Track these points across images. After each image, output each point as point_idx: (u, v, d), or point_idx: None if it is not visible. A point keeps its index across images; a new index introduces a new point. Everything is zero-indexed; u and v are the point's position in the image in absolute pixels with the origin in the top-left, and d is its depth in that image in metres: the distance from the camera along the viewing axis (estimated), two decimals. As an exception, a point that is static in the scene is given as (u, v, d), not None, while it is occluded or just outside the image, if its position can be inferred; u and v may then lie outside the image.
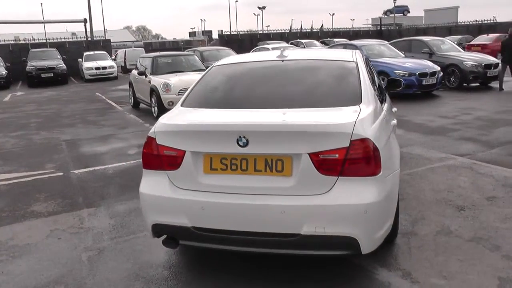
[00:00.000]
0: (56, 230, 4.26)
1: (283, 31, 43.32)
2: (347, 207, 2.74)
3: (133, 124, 9.99)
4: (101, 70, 22.81)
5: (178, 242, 3.08)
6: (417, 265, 3.31)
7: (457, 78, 13.83)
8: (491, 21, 32.72)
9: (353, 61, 3.73)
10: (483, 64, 13.46)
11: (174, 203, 2.96)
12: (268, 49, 18.75)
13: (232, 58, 4.32)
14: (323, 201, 2.74)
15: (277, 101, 3.29)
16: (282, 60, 3.81)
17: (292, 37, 39.61)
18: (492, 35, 25.52)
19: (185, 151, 2.92)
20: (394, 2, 52.01)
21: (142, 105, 12.20)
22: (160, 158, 3.02)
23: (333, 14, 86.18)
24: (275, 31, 42.86)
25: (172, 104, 9.78)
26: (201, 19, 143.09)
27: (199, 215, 2.89)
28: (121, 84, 20.41)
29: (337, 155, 2.73)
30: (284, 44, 25.27)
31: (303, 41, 30.91)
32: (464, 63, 13.70)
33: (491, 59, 14.19)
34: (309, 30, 44.22)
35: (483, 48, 22.61)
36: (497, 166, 5.62)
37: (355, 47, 14.05)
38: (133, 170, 6.22)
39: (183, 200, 2.93)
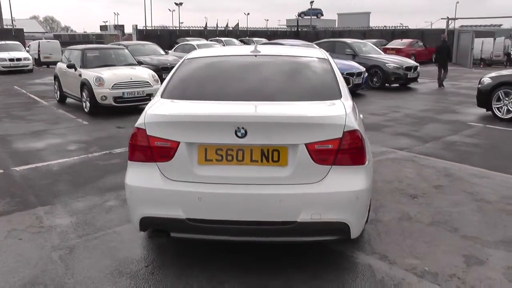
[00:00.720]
0: (14, 231, 3.94)
1: (202, 28, 43.29)
2: (341, 194, 2.89)
3: (64, 120, 9.42)
4: (16, 62, 21.04)
5: (169, 235, 3.02)
6: (389, 248, 3.57)
7: (379, 79, 14.83)
8: (404, 27, 35.39)
9: (325, 58, 3.91)
10: (404, 67, 14.57)
11: (167, 195, 2.91)
12: (193, 45, 18.50)
13: (203, 51, 4.29)
14: (319, 189, 2.87)
15: (262, 94, 3.34)
16: (256, 55, 3.87)
17: (211, 34, 39.77)
18: (406, 40, 27.66)
19: (179, 142, 2.88)
20: (311, 4, 54.10)
21: (69, 100, 11.54)
22: (150, 150, 2.95)
23: (248, 13, 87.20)
24: (194, 28, 42.72)
25: (105, 99, 9.41)
26: (114, 13, 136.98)
27: (195, 206, 2.87)
28: (38, 78, 19.11)
29: (331, 146, 2.87)
30: (204, 41, 25.00)
31: (222, 39, 31.06)
32: (386, 65, 14.73)
33: (411, 62, 15.41)
34: (223, 28, 44.51)
35: (397, 52, 24.35)
36: (435, 159, 6.17)
37: (280, 44, 14.48)
38: (80, 166, 5.91)
39: (178, 192, 2.89)
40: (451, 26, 30.90)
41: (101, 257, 3.45)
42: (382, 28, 36.72)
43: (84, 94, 9.73)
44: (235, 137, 2.82)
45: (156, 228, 3.06)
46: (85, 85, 9.58)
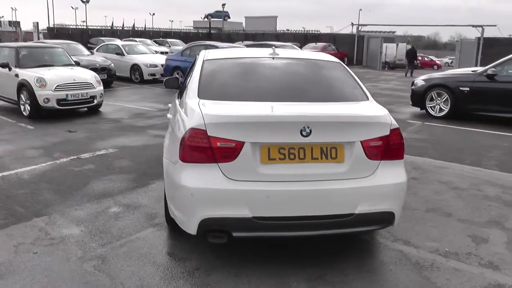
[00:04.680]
0: (22, 245, 3.62)
1: (116, 28, 41.80)
2: (390, 186, 3.17)
3: (4, 124, 8.56)
4: None
5: (231, 235, 3.04)
6: (408, 235, 3.92)
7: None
8: (315, 32, 37.23)
9: (339, 62, 4.17)
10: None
11: (233, 195, 2.94)
12: (118, 45, 17.71)
13: (218, 53, 4.28)
14: (372, 182, 3.11)
15: (304, 95, 3.51)
16: (273, 58, 4.00)
17: (124, 35, 38.51)
18: (320, 44, 29.21)
19: (243, 142, 2.93)
20: (223, 7, 54.64)
21: (-1, 102, 10.53)
22: (212, 151, 2.95)
23: (154, 14, 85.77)
24: (106, 27, 41.04)
25: (48, 101, 8.79)
26: (12, 8, 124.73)
27: (263, 204, 2.94)
28: None
29: (380, 142, 3.14)
30: (118, 41, 23.89)
31: (137, 39, 30.18)
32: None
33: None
34: (121, 28, 43.24)
35: (313, 55, 25.54)
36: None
37: (216, 47, 14.59)
38: (54, 174, 5.51)
39: (244, 191, 2.94)
40: (347, 31, 33.38)
41: (141, 264, 3.34)
42: (295, 31, 38.25)
43: (22, 96, 8.96)
44: (300, 136, 2.94)
45: (216, 229, 3.06)
46: (24, 86, 8.83)
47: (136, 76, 16.24)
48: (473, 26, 24.55)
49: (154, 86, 15.76)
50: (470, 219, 4.32)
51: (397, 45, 30.57)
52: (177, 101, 4.23)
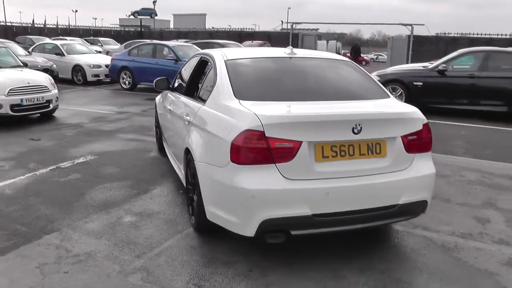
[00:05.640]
0: (45, 265, 3.35)
1: (41, 25, 39.50)
2: (425, 176, 3.43)
3: None
4: None
5: (290, 234, 3.09)
6: (423, 221, 4.17)
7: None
8: (250, 29, 37.57)
9: (351, 61, 4.35)
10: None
11: (293, 194, 3.00)
12: (57, 45, 16.68)
13: (236, 52, 4.27)
14: (410, 174, 3.33)
15: (341, 94, 3.70)
16: (291, 57, 4.08)
17: (52, 33, 36.60)
18: (256, 41, 29.51)
19: (301, 142, 2.99)
20: (154, 4, 53.37)
21: None
22: (269, 151, 2.98)
23: (76, 11, 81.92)
24: (30, 25, 38.68)
25: (1, 107, 8.14)
26: None
27: (322, 201, 3.03)
28: None
29: (415, 136, 3.36)
30: (47, 40, 22.53)
31: (67, 38, 28.80)
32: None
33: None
34: (43, 25, 41.35)
35: (250, 53, 25.81)
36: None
37: (166, 46, 14.34)
38: (39, 186, 5.15)
39: (304, 190, 3.00)
40: (278, 29, 34.25)
41: (191, 272, 3.26)
42: (228, 29, 38.33)
43: (-31, 103, 8.18)
44: (352, 134, 3.07)
45: (275, 229, 3.09)
46: (-29, 92, 8.07)
47: (78, 77, 15.42)
48: (403, 24, 26.20)
49: (100, 87, 15.10)
50: (467, 202, 4.72)
51: (327, 42, 31.77)
52: (193, 103, 4.16)
